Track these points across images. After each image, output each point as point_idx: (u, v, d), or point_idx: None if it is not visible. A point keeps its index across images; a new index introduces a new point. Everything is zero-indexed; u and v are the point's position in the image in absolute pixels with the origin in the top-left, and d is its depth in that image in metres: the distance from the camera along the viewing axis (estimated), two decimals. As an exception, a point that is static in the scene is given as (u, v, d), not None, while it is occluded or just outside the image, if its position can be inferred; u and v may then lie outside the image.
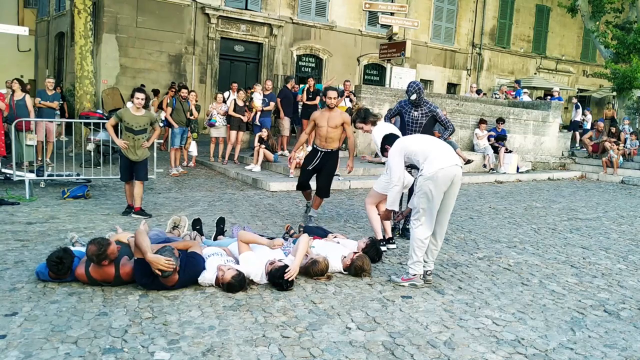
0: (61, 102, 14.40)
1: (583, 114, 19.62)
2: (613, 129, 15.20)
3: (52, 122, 10.62)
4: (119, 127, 7.11)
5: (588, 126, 18.73)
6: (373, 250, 5.18)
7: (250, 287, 4.35)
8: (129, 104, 12.67)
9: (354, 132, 7.35)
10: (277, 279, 4.31)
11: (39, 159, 10.41)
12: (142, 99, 6.96)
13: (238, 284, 4.20)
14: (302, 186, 7.13)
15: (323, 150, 6.88)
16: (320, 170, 6.95)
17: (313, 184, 7.16)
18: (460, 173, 4.54)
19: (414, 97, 6.38)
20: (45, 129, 10.64)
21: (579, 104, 19.78)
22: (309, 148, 11.90)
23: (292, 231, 5.91)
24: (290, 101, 12.55)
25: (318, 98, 12.67)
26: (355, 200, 9.00)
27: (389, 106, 13.07)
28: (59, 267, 4.15)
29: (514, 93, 19.37)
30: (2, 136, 9.00)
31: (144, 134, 7.03)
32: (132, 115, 6.97)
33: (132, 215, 6.93)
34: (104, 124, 10.44)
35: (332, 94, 6.73)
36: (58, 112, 11.72)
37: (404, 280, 4.63)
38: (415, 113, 6.47)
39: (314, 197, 7.10)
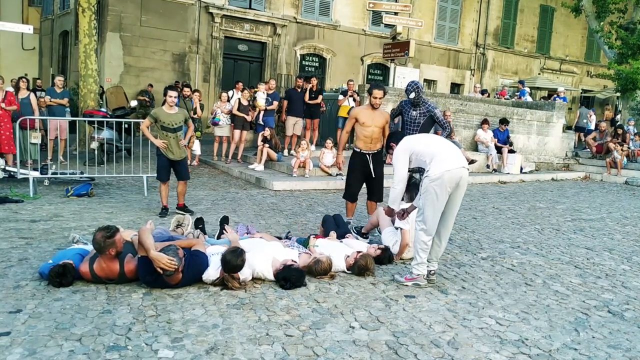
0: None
1: (587, 114, 19.54)
2: (619, 131, 15.12)
3: (56, 119, 10.65)
4: (154, 128, 7.11)
5: (592, 127, 18.64)
6: (386, 261, 5.17)
7: (254, 286, 4.36)
8: (133, 103, 12.76)
9: None
10: (293, 279, 4.36)
11: (50, 158, 10.43)
12: (175, 97, 7.01)
13: (234, 258, 4.19)
14: (353, 197, 6.57)
15: (370, 152, 6.33)
16: (369, 175, 6.42)
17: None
18: (467, 175, 4.52)
19: (412, 95, 6.39)
20: (58, 127, 10.69)
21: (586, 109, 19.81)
22: (313, 147, 11.99)
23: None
24: (296, 101, 12.48)
25: (320, 97, 12.66)
26: (358, 200, 8.96)
27: (392, 106, 13.03)
28: (60, 285, 4.14)
29: (518, 94, 19.29)
30: (12, 134, 9.03)
31: (180, 132, 7.04)
32: (167, 114, 6.95)
33: (176, 211, 6.89)
34: (107, 122, 10.49)
35: (379, 93, 6.16)
36: (68, 109, 11.74)
37: (408, 280, 4.63)
38: (414, 113, 6.49)
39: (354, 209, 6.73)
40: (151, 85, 17.52)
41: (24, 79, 10.71)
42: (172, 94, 6.98)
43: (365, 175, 6.43)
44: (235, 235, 5.02)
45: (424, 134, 5.27)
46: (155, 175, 7.22)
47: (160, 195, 7.13)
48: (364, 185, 6.61)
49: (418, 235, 4.57)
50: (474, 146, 13.54)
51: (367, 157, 6.35)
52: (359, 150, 6.39)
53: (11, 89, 10.37)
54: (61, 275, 4.11)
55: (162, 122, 6.92)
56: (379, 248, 5.28)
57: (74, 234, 5.37)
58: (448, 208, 4.54)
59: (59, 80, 11.64)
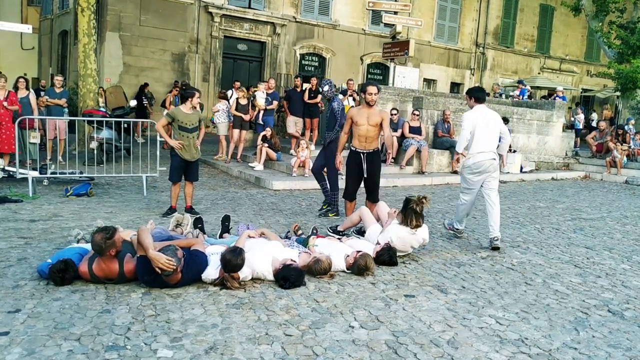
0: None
1: (576, 113, 19.54)
2: (620, 131, 15.11)
3: (54, 119, 10.64)
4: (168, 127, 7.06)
5: (580, 126, 18.60)
6: (386, 256, 5.11)
7: (253, 286, 4.35)
8: (132, 102, 12.76)
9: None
10: (292, 279, 4.35)
11: (50, 158, 10.42)
12: (199, 98, 7.03)
13: (233, 257, 4.18)
14: (350, 197, 6.62)
15: (365, 151, 6.35)
16: (366, 174, 6.43)
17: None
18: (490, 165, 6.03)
19: (326, 88, 7.15)
20: (57, 127, 10.67)
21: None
22: (313, 146, 11.97)
23: (299, 232, 5.88)
24: (296, 100, 12.50)
25: (319, 96, 12.66)
26: (359, 200, 8.97)
27: (392, 105, 13.06)
28: (62, 280, 4.13)
29: (518, 93, 19.26)
30: (13, 134, 9.02)
31: (197, 132, 7.00)
32: (185, 114, 6.88)
33: (185, 213, 6.81)
34: (107, 122, 10.48)
35: (373, 89, 6.18)
36: (66, 109, 11.70)
37: (449, 229, 6.43)
38: (327, 109, 7.37)
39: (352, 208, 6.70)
40: (147, 84, 17.48)
41: (21, 79, 10.68)
42: (198, 95, 6.98)
43: (360, 174, 6.43)
44: (244, 234, 5.01)
45: (487, 124, 6.09)
46: (163, 175, 7.15)
47: (171, 196, 7.09)
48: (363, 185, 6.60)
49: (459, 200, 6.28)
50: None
51: (362, 156, 6.36)
52: (354, 149, 6.43)
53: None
54: (63, 271, 4.11)
55: (180, 122, 6.84)
56: (385, 243, 5.22)
57: (78, 229, 5.36)
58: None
59: (58, 80, 11.60)
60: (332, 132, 7.22)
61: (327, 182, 7.44)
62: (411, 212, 5.26)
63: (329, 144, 7.22)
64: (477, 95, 6.21)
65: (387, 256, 5.09)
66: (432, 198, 9.20)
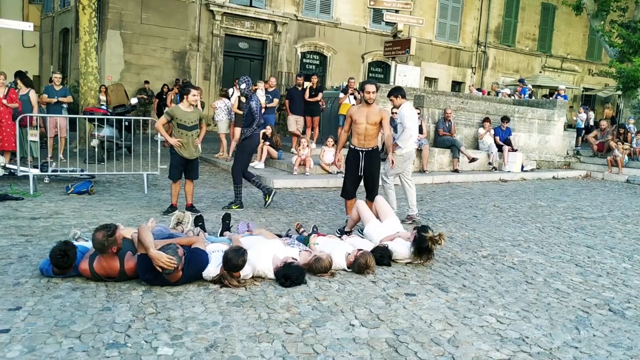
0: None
1: (578, 111, 19.50)
2: (621, 130, 15.09)
3: (54, 117, 10.63)
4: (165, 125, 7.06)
5: (582, 125, 18.58)
6: (378, 254, 5.10)
7: (254, 284, 4.35)
8: (133, 100, 12.77)
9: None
10: (293, 277, 4.34)
11: (50, 156, 10.42)
12: (198, 96, 6.99)
13: (235, 257, 4.18)
14: (349, 195, 6.57)
15: (364, 149, 6.31)
16: (364, 173, 6.39)
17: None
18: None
19: (243, 86, 7.31)
20: (58, 125, 10.65)
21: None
22: (314, 145, 11.97)
23: (301, 229, 5.89)
24: (297, 99, 12.51)
25: (320, 94, 12.65)
26: (359, 198, 8.95)
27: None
28: (64, 260, 4.13)
29: (520, 92, 19.25)
30: (14, 131, 9.02)
31: (196, 130, 6.95)
32: (184, 112, 6.85)
33: (185, 211, 6.67)
34: (108, 119, 10.48)
35: (371, 87, 6.19)
36: (66, 106, 11.69)
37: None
38: (245, 105, 7.49)
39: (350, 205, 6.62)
40: (147, 82, 17.49)
41: (18, 78, 10.66)
42: (195, 92, 6.91)
43: (358, 172, 6.43)
44: (236, 236, 5.02)
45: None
46: (164, 173, 7.12)
47: (171, 194, 7.08)
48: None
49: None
50: (475, 144, 13.51)
51: (360, 154, 6.34)
52: (353, 147, 6.42)
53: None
54: (64, 252, 4.11)
55: (179, 120, 6.81)
56: (380, 242, 5.23)
57: (75, 229, 5.36)
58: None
59: (57, 77, 11.57)
60: (248, 129, 7.39)
61: (241, 176, 7.58)
62: (424, 251, 5.07)
63: (244, 140, 7.48)
64: (404, 92, 7.08)
65: (379, 255, 5.05)
66: (435, 196, 9.20)
